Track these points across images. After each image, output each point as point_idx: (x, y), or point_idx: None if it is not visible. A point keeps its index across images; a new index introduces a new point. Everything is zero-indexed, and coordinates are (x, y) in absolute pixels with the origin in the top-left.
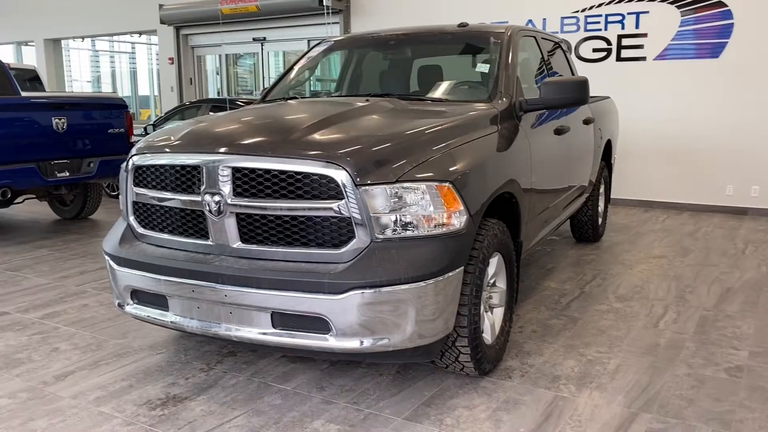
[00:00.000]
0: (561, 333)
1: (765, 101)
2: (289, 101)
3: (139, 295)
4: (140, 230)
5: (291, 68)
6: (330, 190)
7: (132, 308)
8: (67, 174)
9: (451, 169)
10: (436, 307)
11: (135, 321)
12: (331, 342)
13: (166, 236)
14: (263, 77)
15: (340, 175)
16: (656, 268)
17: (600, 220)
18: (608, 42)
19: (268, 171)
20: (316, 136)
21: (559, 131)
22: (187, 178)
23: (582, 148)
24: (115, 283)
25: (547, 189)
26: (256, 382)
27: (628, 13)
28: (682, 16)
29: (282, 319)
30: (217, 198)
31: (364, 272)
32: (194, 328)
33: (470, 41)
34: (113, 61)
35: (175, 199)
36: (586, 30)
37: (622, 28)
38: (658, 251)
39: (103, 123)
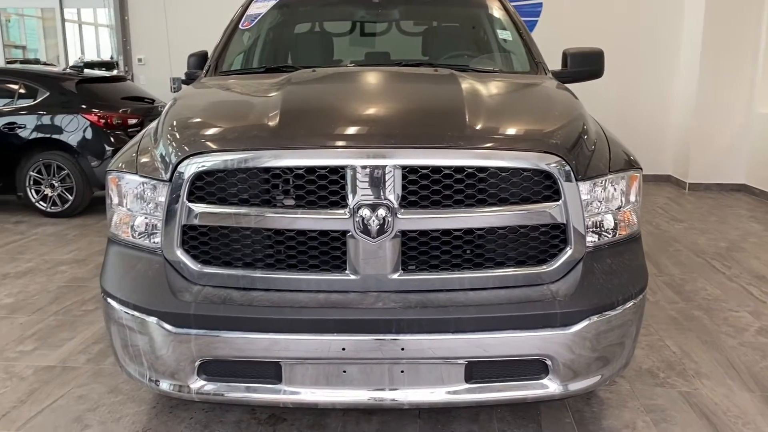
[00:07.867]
0: None
1: None
2: (303, 74)
3: (217, 368)
4: (199, 269)
5: (233, 32)
6: (544, 189)
7: (201, 388)
8: None
9: (627, 155)
10: (640, 324)
11: (63, 398)
12: (551, 389)
13: (258, 274)
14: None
15: (561, 169)
16: None
17: None
18: None
19: (460, 169)
20: (498, 120)
21: None
22: (318, 185)
23: None
24: (160, 353)
25: None
26: None
27: None
28: None
29: (480, 370)
30: (381, 212)
31: (597, 293)
32: (335, 402)
33: (461, 3)
34: None
35: (288, 217)
36: None
37: None
38: None
39: None
